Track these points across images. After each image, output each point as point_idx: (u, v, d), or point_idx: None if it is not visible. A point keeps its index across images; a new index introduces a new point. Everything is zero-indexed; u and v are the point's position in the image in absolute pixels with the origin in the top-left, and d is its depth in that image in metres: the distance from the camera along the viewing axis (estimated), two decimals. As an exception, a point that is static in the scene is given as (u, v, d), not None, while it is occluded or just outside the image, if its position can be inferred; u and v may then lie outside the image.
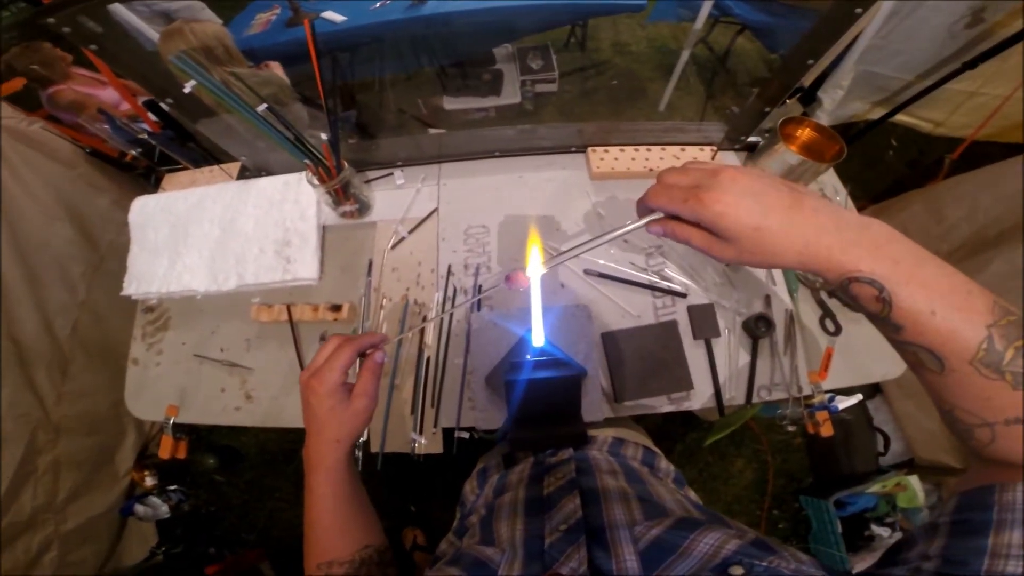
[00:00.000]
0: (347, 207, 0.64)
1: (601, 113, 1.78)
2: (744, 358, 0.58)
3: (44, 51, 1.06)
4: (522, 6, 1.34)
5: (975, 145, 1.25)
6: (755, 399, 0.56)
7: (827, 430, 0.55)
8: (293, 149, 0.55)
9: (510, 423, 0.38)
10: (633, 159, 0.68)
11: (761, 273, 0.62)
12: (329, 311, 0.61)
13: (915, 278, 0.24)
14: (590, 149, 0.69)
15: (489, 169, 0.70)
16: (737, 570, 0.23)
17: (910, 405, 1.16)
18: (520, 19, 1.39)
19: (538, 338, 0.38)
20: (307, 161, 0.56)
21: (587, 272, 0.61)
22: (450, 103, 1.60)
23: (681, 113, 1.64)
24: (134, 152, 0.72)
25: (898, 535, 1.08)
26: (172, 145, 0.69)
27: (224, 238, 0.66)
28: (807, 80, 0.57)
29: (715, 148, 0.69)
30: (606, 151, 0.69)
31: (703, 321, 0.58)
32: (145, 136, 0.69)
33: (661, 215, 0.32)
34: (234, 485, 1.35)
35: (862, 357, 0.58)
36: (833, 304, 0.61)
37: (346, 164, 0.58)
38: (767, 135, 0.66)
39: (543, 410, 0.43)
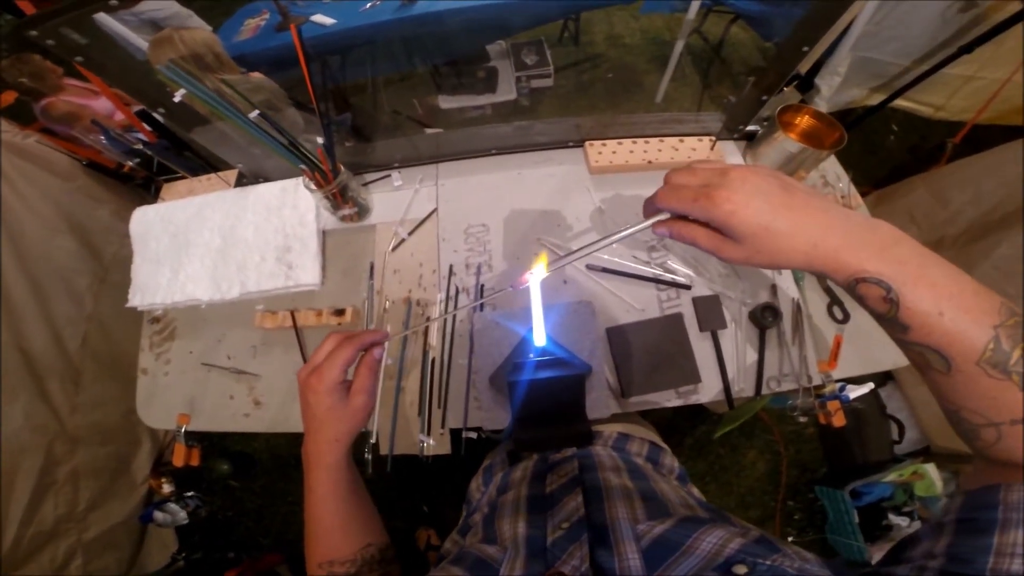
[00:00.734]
0: (346, 211, 0.63)
1: (598, 107, 1.76)
2: (752, 349, 0.56)
3: (34, 63, 1.04)
4: (513, 2, 1.31)
5: (976, 129, 1.23)
6: (764, 391, 0.54)
7: (839, 420, 0.54)
8: (288, 155, 0.54)
9: (514, 423, 0.37)
10: (632, 152, 0.67)
11: (766, 263, 0.60)
12: (333, 315, 0.60)
13: (922, 279, 0.23)
14: (588, 143, 0.68)
15: (487, 167, 0.68)
16: (741, 569, 0.23)
17: (924, 392, 1.15)
18: (512, 15, 1.37)
19: (539, 338, 0.37)
20: (303, 166, 0.55)
21: (590, 267, 0.60)
22: (445, 102, 1.58)
23: (678, 104, 1.62)
24: (131, 163, 0.71)
25: (917, 524, 1.07)
26: (168, 154, 0.68)
27: (225, 246, 0.65)
28: (803, 67, 0.56)
29: (714, 138, 0.67)
30: (604, 145, 0.67)
31: (709, 313, 0.57)
32: (141, 146, 0.68)
33: (667, 215, 0.31)
34: (248, 490, 1.35)
35: (872, 345, 0.57)
36: (840, 292, 0.60)
37: (343, 168, 0.57)
38: (766, 124, 0.65)
39: (547, 410, 0.43)
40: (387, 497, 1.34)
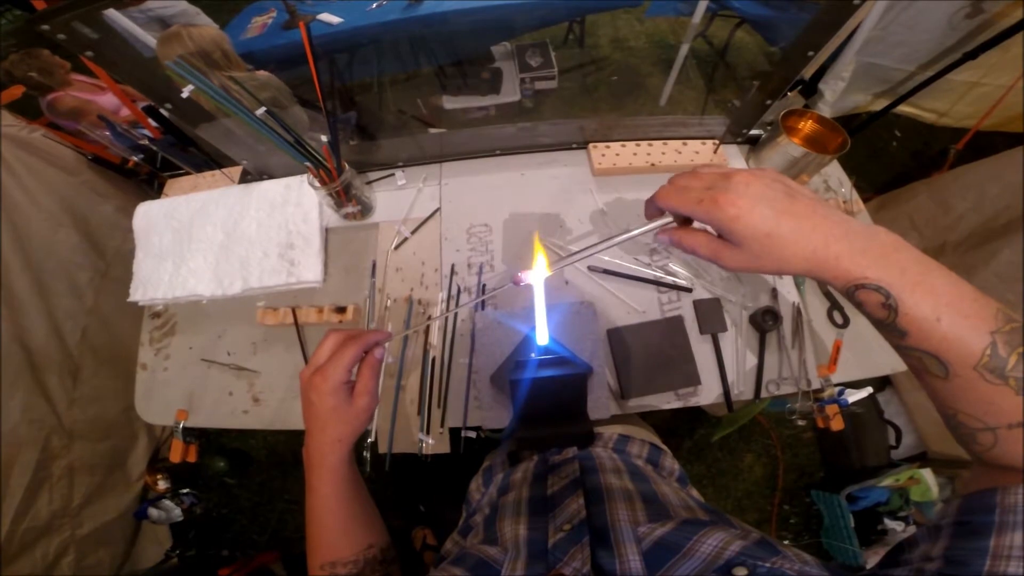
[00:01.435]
0: (349, 208, 0.63)
1: (601, 109, 1.77)
2: (752, 353, 0.57)
3: (42, 58, 1.05)
4: (519, 4, 1.33)
5: (980, 135, 1.24)
6: (764, 394, 0.55)
7: (837, 424, 0.55)
8: (293, 152, 0.54)
9: (515, 422, 0.37)
10: (635, 154, 0.67)
11: (767, 266, 0.61)
12: (334, 313, 0.60)
13: (921, 285, 0.24)
14: (591, 145, 0.68)
15: (490, 167, 0.69)
16: (741, 571, 0.23)
17: (921, 397, 1.16)
18: (517, 17, 1.38)
19: (542, 337, 0.37)
20: (308, 164, 0.55)
21: (591, 269, 0.61)
22: (450, 102, 1.59)
23: (682, 107, 1.62)
24: (136, 158, 0.72)
25: (912, 529, 1.07)
26: (173, 150, 0.68)
27: (228, 242, 0.66)
28: (808, 72, 0.56)
29: (717, 142, 0.67)
30: (607, 147, 0.68)
31: (709, 316, 0.57)
32: (146, 142, 0.68)
33: (670, 220, 0.32)
34: (245, 487, 1.35)
35: (871, 349, 0.57)
36: (840, 296, 0.60)
37: (347, 166, 0.58)
38: (769, 128, 0.65)
39: (548, 409, 0.43)
40: (384, 496, 1.34)
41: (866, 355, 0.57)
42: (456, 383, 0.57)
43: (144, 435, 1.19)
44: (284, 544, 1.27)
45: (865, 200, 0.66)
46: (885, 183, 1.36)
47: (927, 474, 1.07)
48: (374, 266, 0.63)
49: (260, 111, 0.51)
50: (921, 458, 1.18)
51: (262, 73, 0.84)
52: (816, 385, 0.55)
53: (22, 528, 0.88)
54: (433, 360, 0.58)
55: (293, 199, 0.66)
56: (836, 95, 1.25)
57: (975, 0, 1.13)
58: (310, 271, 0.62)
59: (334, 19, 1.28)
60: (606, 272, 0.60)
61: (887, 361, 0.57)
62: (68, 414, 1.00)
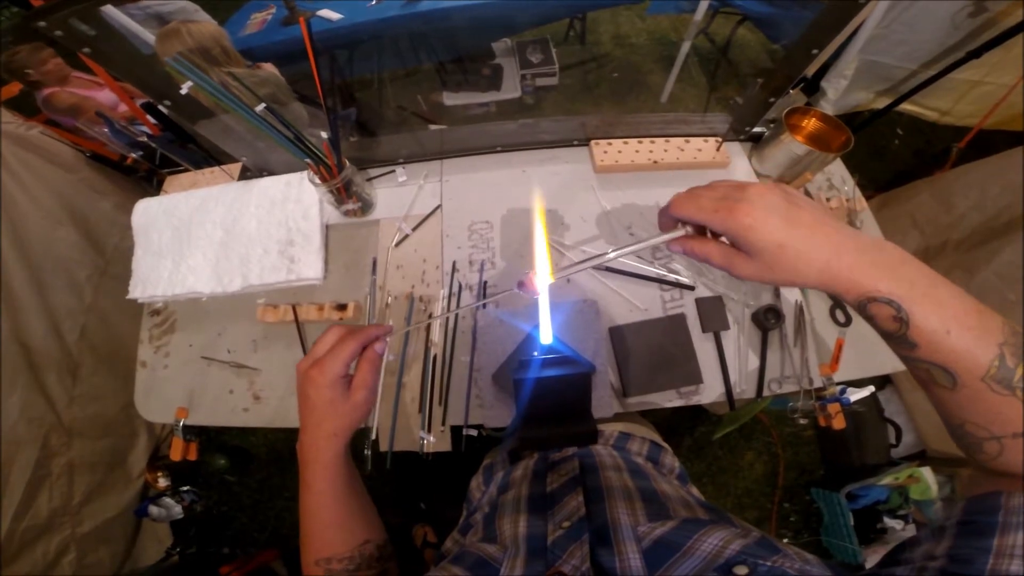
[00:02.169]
0: (350, 205, 0.63)
1: (603, 106, 1.76)
2: (754, 351, 0.57)
3: (41, 54, 1.04)
4: (519, 1, 1.32)
5: (982, 134, 1.24)
6: (766, 392, 0.55)
7: (839, 423, 0.55)
8: (293, 148, 0.54)
9: (519, 422, 0.37)
10: (637, 152, 0.67)
11: (770, 265, 0.61)
12: (335, 310, 0.60)
13: (929, 298, 0.24)
14: (593, 142, 0.68)
15: (492, 164, 0.69)
16: (741, 570, 0.23)
17: (921, 396, 1.14)
18: (518, 13, 1.37)
19: (546, 336, 0.37)
20: (308, 160, 0.55)
21: (594, 266, 0.60)
22: (450, 99, 1.59)
23: (684, 105, 1.62)
24: (135, 155, 0.71)
25: (911, 527, 1.08)
26: (172, 147, 0.68)
27: (228, 239, 0.66)
28: (810, 70, 0.56)
29: (720, 139, 0.67)
30: (609, 144, 0.68)
31: (712, 314, 0.57)
32: (145, 139, 0.68)
33: (682, 232, 0.32)
34: (245, 485, 1.35)
35: (873, 348, 0.57)
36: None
37: (347, 162, 0.57)
38: (772, 126, 0.65)
39: (552, 408, 0.43)
40: (384, 493, 1.34)
41: (868, 354, 0.57)
42: (457, 381, 0.57)
43: (144, 433, 1.19)
44: (284, 541, 1.28)
45: (867, 198, 0.66)
46: (887, 181, 1.36)
47: (927, 472, 1.07)
48: (375, 263, 0.63)
49: (259, 107, 0.51)
50: (920, 456, 1.19)
51: (268, 66, 0.84)
52: (818, 384, 0.55)
53: (22, 527, 0.88)
54: (435, 358, 0.58)
55: (293, 196, 0.66)
56: (838, 93, 1.25)
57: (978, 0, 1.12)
58: (310, 268, 0.62)
59: (334, 15, 1.27)
60: (609, 270, 0.60)
61: (889, 360, 0.57)
62: (67, 412, 1.00)
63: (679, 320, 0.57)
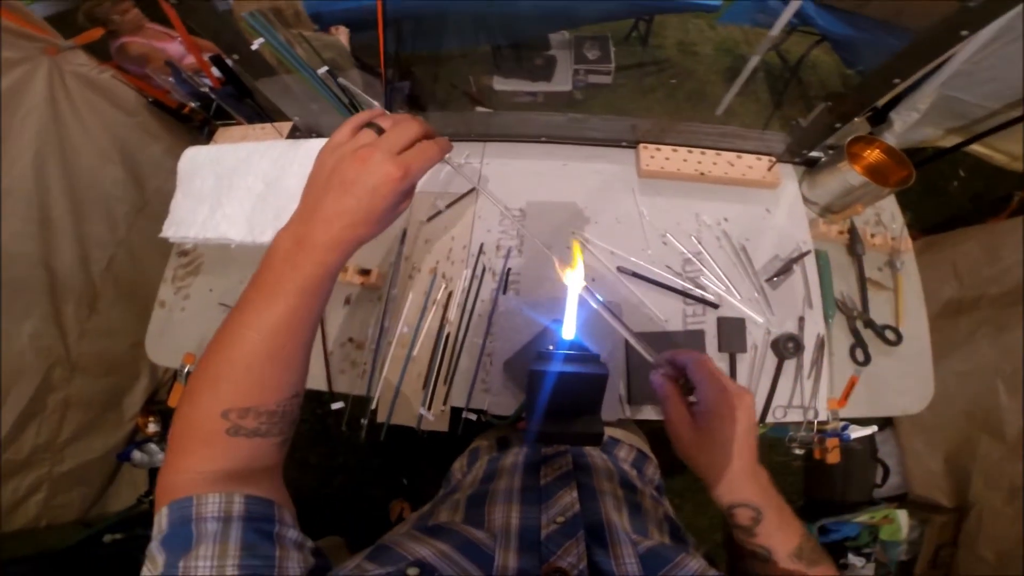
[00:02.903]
0: (389, 176, 0.69)
1: (654, 111, 1.81)
2: (766, 376, 0.60)
3: (121, 4, 1.19)
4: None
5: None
6: (770, 418, 0.58)
7: (834, 457, 0.58)
8: (347, 113, 0.61)
9: (539, 415, 0.38)
10: (685, 160, 0.71)
11: (798, 295, 0.64)
12: (358, 275, 0.66)
13: (773, 508, 0.37)
14: (641, 145, 0.72)
15: (534, 153, 0.74)
16: None
17: (918, 442, 1.25)
18: (584, 7, 1.44)
19: (570, 331, 0.39)
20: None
21: (620, 270, 0.65)
22: (500, 84, 1.67)
23: (739, 119, 1.65)
24: (193, 104, 0.81)
25: (871, 567, 1.18)
26: (230, 100, 0.77)
27: (267, 193, 0.73)
28: (882, 100, 0.59)
29: (773, 159, 0.70)
30: (658, 149, 0.72)
31: (731, 335, 0.60)
32: (206, 90, 0.77)
33: (670, 373, 0.40)
34: (234, 441, 1.44)
35: (885, 390, 0.61)
36: (866, 335, 0.63)
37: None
38: (831, 152, 0.68)
39: (565, 405, 0.45)
40: (371, 465, 1.41)
41: (879, 395, 0.61)
42: (466, 363, 0.61)
43: (146, 375, 1.28)
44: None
45: (912, 239, 0.68)
46: (936, 224, 1.38)
47: (902, 515, 1.17)
48: (404, 234, 0.69)
49: (321, 70, 0.58)
50: (900, 499, 1.29)
51: (342, 31, 0.92)
52: (823, 417, 0.58)
53: (1, 461, 0.89)
54: (447, 336, 0.63)
55: (336, 159, 0.73)
56: (906, 126, 1.25)
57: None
58: (341, 231, 0.68)
59: (405, -15, 1.36)
60: (635, 275, 0.64)
61: (899, 402, 0.60)
62: (76, 345, 1.07)
63: (697, 336, 0.60)
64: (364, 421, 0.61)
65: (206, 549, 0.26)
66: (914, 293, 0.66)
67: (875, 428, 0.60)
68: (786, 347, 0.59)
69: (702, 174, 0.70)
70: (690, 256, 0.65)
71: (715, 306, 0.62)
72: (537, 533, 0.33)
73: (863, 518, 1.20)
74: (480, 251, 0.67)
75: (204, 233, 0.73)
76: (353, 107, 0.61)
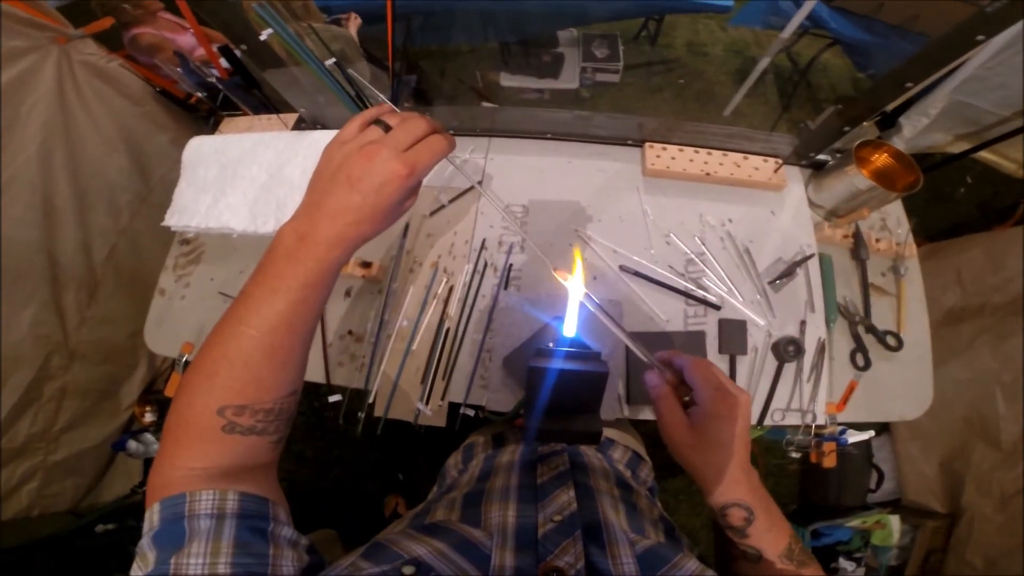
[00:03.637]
0: (393, 169, 0.70)
1: (662, 111, 1.81)
2: (766, 379, 0.61)
3: None
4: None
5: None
6: (767, 421, 0.59)
7: (830, 461, 0.59)
8: (353, 105, 0.62)
9: (539, 413, 0.39)
10: (691, 161, 0.72)
11: (801, 298, 0.64)
12: (359, 267, 0.67)
13: (764, 509, 0.37)
14: (647, 144, 0.73)
15: (538, 150, 0.75)
16: None
17: (914, 448, 1.27)
18: (595, 5, 1.45)
19: (571, 330, 0.40)
20: (364, 118, 0.63)
21: (623, 268, 0.65)
22: (507, 79, 1.68)
23: (747, 121, 1.65)
24: (200, 95, 0.82)
25: (861, 571, 1.21)
26: (237, 91, 0.78)
27: (270, 183, 0.74)
28: (892, 104, 0.59)
29: (780, 161, 0.71)
30: (664, 149, 0.72)
31: (732, 337, 0.61)
32: (214, 80, 0.79)
33: (668, 376, 0.41)
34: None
35: (884, 395, 0.62)
36: (867, 340, 0.63)
37: (400, 126, 0.65)
38: (838, 155, 0.68)
39: (564, 403, 0.45)
40: (367, 459, 1.43)
41: (878, 400, 0.61)
42: (465, 358, 0.62)
43: (144, 365, 1.30)
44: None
45: (917, 245, 0.69)
46: (941, 230, 1.39)
47: (894, 520, 1.20)
48: (406, 228, 0.70)
49: (329, 62, 0.59)
50: (893, 504, 1.31)
51: (354, 19, 0.92)
52: (821, 421, 0.59)
53: None
54: (447, 331, 0.64)
55: (340, 152, 0.74)
56: (915, 131, 1.25)
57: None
58: (344, 223, 0.69)
59: (415, -20, 1.37)
60: (637, 274, 0.65)
61: (896, 408, 0.61)
62: (76, 333, 1.08)
63: (698, 337, 0.61)
64: (361, 415, 0.62)
65: (198, 546, 0.26)
66: (916, 299, 0.66)
67: (872, 433, 0.61)
68: (787, 350, 0.60)
69: (708, 174, 0.70)
70: (693, 256, 0.66)
71: (717, 307, 0.63)
72: (534, 532, 0.33)
73: (856, 523, 1.23)
74: (482, 247, 0.68)
75: (206, 222, 0.74)
76: (360, 99, 0.62)
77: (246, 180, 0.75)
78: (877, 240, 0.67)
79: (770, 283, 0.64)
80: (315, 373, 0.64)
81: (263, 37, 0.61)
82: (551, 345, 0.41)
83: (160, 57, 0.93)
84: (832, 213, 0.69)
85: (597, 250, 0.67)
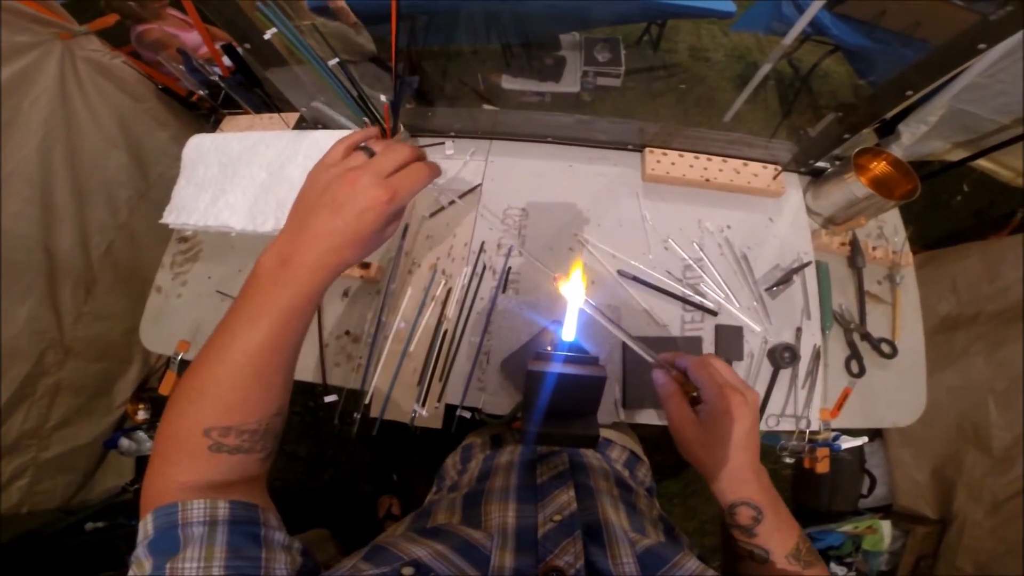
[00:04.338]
0: (393, 170, 0.71)
1: (662, 115, 1.83)
2: (761, 384, 0.61)
3: None
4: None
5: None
6: (762, 426, 0.59)
7: (823, 467, 0.60)
8: (354, 106, 0.62)
9: (537, 416, 0.39)
10: (691, 166, 0.72)
11: (797, 305, 0.65)
12: (358, 268, 0.68)
13: (773, 509, 0.37)
14: (648, 149, 0.73)
15: (539, 153, 0.75)
16: None
17: (906, 454, 1.29)
18: (598, 9, 1.46)
19: (570, 335, 0.41)
20: (366, 119, 0.63)
21: (621, 273, 0.66)
22: (508, 82, 1.69)
23: (747, 127, 1.66)
24: (202, 92, 0.83)
25: None
26: (239, 89, 0.78)
27: (270, 182, 0.75)
28: (892, 112, 0.60)
29: (779, 168, 0.71)
30: (664, 154, 0.73)
31: (729, 342, 0.62)
32: (216, 78, 0.79)
33: (673, 374, 0.41)
34: (224, 430, 1.46)
35: (877, 402, 0.62)
36: (862, 347, 0.64)
37: (402, 127, 0.66)
38: (837, 163, 0.69)
39: (562, 406, 0.46)
40: (361, 459, 1.44)
41: (871, 407, 0.62)
42: (462, 360, 0.63)
43: (139, 362, 1.30)
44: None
45: (913, 253, 0.69)
46: (938, 238, 1.41)
47: (885, 525, 1.21)
48: (406, 229, 0.70)
49: (332, 62, 0.60)
50: (885, 510, 1.33)
51: (355, 28, 0.93)
52: (815, 427, 0.60)
53: None
54: (445, 333, 0.64)
55: (341, 152, 0.74)
56: (914, 139, 1.26)
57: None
58: (343, 223, 0.70)
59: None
60: (635, 279, 0.65)
61: (889, 415, 0.62)
62: (72, 329, 1.08)
63: (694, 343, 0.61)
64: (357, 415, 0.62)
65: (192, 552, 0.27)
66: (912, 308, 0.67)
67: (865, 439, 0.62)
68: (782, 357, 0.60)
69: (707, 180, 0.71)
70: (691, 262, 0.67)
71: (714, 313, 0.63)
72: (534, 532, 0.33)
73: (847, 528, 1.24)
74: (481, 249, 0.68)
75: (205, 220, 0.74)
76: (362, 100, 0.62)
77: (246, 179, 0.76)
78: (874, 248, 0.68)
79: (767, 290, 0.65)
80: (311, 373, 0.64)
81: (268, 36, 0.62)
82: (549, 349, 0.41)
83: (164, 54, 0.94)
84: (830, 220, 0.70)
85: (596, 254, 0.67)
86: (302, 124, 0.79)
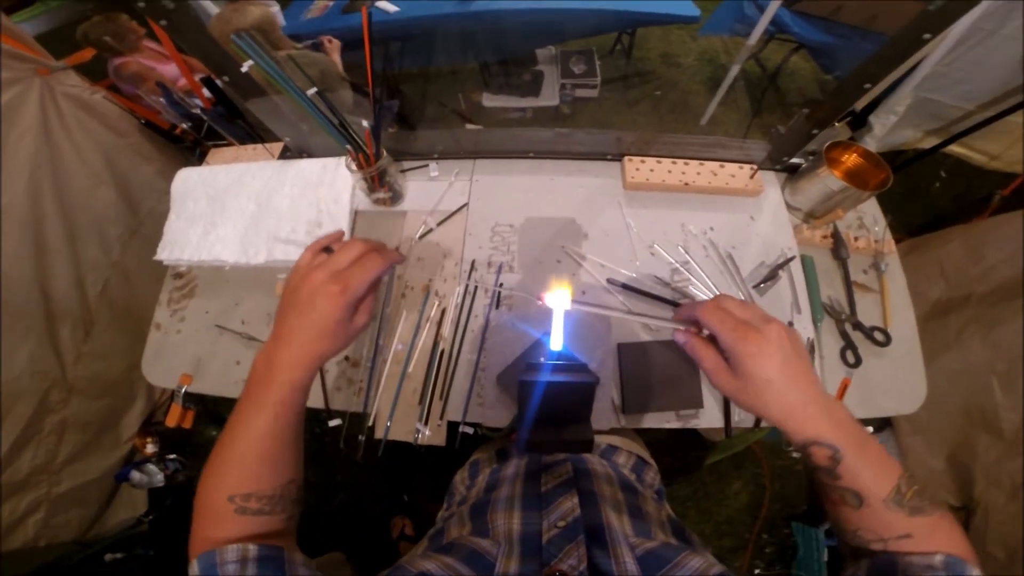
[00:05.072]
0: (381, 194, 0.69)
1: (640, 123, 1.83)
2: None
3: (120, 22, 1.19)
4: (572, 9, 1.41)
5: (1030, 182, 1.25)
6: (764, 423, 0.57)
7: None
8: (336, 134, 0.60)
9: (529, 424, 0.39)
10: (670, 172, 0.71)
11: (786, 300, 0.64)
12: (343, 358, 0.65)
13: (858, 447, 0.33)
14: (627, 158, 0.72)
15: (522, 169, 0.74)
16: None
17: (917, 442, 1.23)
18: (569, 22, 1.46)
19: (557, 343, 0.40)
20: (348, 147, 0.61)
21: (611, 282, 0.64)
22: (489, 100, 1.68)
23: (723, 129, 1.67)
24: (184, 125, 0.80)
25: None
26: (221, 121, 0.76)
27: (259, 214, 0.73)
28: (860, 104, 0.59)
29: (755, 167, 0.71)
30: (643, 161, 0.72)
31: (724, 342, 0.60)
32: (197, 111, 0.77)
33: (691, 328, 0.38)
34: (232, 460, 1.42)
35: (877, 391, 0.60)
36: (855, 336, 0.63)
37: (385, 152, 0.64)
38: (811, 158, 0.68)
39: (554, 414, 0.45)
40: (369, 481, 1.40)
41: (872, 396, 0.60)
42: (461, 378, 0.61)
43: (143, 397, 1.27)
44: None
45: (897, 241, 0.68)
46: (920, 225, 1.40)
47: None
48: (388, 294, 0.67)
49: (311, 91, 0.58)
50: None
51: (333, 43, 0.90)
52: None
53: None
54: (442, 352, 0.62)
55: (327, 180, 0.72)
56: (886, 129, 1.27)
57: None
58: (334, 250, 0.68)
59: (391, 7, 1.39)
60: (624, 287, 0.64)
61: (890, 403, 0.60)
62: (73, 368, 1.06)
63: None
64: (361, 438, 0.60)
65: None
66: (900, 294, 0.66)
67: (870, 429, 0.60)
68: (776, 353, 0.59)
69: (686, 184, 0.70)
70: (678, 266, 0.65)
71: (704, 314, 0.62)
72: (538, 538, 0.33)
73: None
74: (472, 268, 0.66)
75: (198, 255, 0.72)
76: (343, 127, 0.60)
77: (235, 211, 0.74)
78: (856, 239, 0.67)
79: (755, 287, 0.64)
80: (314, 399, 0.62)
81: (245, 69, 0.60)
82: (540, 360, 0.41)
83: (144, 87, 0.91)
84: (810, 215, 0.69)
85: (585, 265, 0.66)
86: (287, 154, 0.77)
